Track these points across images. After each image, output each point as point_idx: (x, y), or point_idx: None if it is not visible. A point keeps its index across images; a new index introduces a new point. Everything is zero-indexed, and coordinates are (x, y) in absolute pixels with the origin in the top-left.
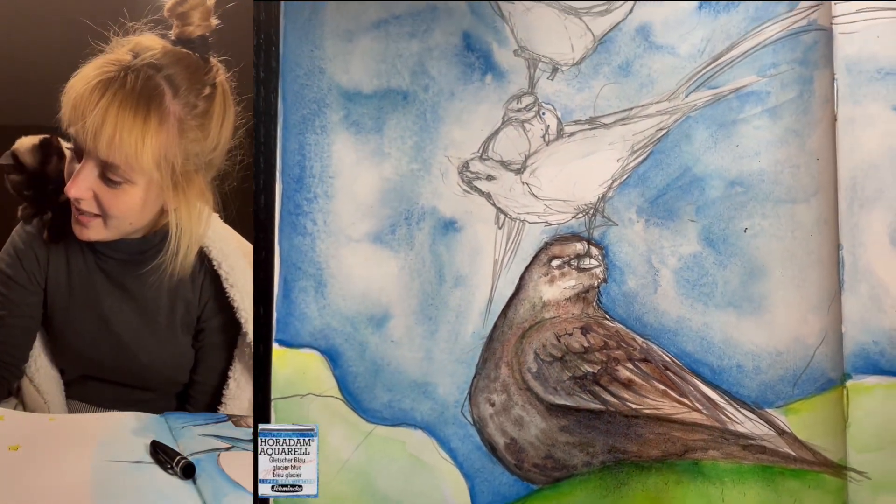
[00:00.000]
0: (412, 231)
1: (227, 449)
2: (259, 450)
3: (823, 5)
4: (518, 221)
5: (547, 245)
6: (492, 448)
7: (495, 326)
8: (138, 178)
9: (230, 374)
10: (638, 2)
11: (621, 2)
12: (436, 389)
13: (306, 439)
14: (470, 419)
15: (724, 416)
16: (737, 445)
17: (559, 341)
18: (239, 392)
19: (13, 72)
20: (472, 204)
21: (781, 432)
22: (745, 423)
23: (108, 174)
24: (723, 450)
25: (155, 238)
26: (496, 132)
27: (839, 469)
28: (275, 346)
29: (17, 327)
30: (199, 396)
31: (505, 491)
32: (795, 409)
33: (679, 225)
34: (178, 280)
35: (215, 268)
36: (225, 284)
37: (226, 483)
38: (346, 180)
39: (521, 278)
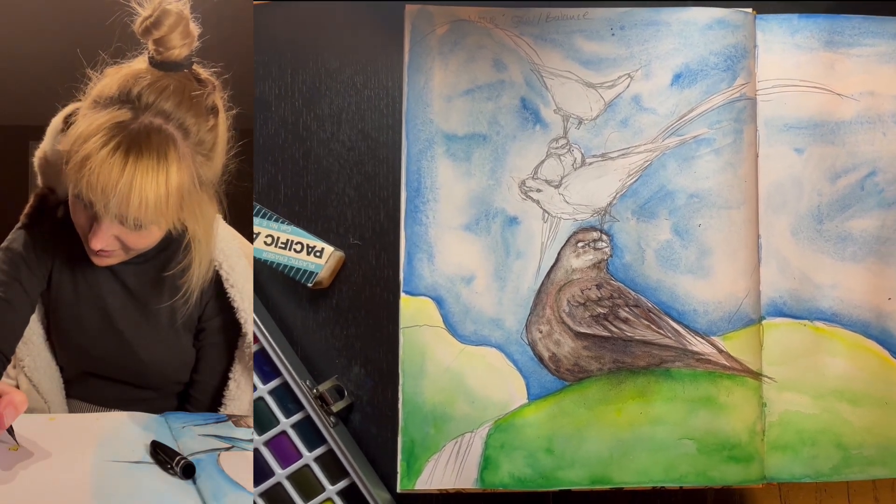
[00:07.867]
0: (489, 223)
1: (227, 449)
2: None
3: (750, 82)
4: (557, 218)
5: (574, 233)
6: (540, 359)
7: (542, 284)
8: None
9: (230, 374)
10: (632, 79)
11: (623, 78)
12: (504, 323)
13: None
14: (526, 341)
15: (685, 341)
16: (693, 359)
17: (582, 293)
18: (239, 393)
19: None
20: (528, 206)
21: (721, 351)
22: (698, 345)
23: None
24: (684, 362)
25: (161, 243)
26: (542, 162)
27: (757, 375)
28: (402, 295)
29: (12, 309)
30: (200, 396)
31: (548, 386)
32: (730, 337)
33: (658, 222)
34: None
35: (216, 268)
36: (226, 285)
37: (226, 483)
38: (447, 191)
39: (559, 254)
